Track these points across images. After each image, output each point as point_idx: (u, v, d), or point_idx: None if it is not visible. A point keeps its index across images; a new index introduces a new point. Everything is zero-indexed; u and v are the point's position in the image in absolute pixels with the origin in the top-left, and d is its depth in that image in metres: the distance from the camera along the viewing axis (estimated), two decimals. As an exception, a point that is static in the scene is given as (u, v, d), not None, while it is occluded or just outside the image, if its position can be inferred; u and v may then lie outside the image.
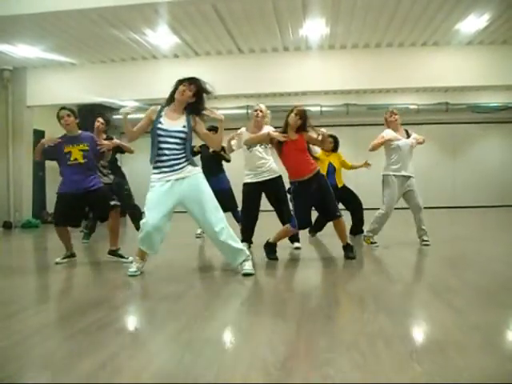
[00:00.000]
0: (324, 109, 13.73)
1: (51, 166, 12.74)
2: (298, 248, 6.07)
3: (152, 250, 4.54)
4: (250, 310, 3.37)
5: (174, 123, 4.44)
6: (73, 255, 5.49)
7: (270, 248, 5.33)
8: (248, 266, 4.41)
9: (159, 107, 4.55)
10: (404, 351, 2.33)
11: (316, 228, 7.37)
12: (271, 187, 5.97)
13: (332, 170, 7.22)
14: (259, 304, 3.57)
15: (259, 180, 5.93)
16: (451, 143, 14.55)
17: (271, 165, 6.00)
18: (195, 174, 4.44)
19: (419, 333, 2.68)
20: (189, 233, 8.08)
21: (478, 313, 3.04)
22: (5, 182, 10.93)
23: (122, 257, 5.32)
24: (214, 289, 4.11)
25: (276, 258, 5.26)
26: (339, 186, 7.21)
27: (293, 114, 5.12)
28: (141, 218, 4.62)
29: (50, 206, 12.65)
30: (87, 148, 5.25)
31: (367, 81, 10.19)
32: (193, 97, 4.49)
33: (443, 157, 14.59)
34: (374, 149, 6.07)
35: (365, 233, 6.37)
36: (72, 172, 5.21)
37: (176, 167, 4.39)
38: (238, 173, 6.69)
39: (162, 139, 4.39)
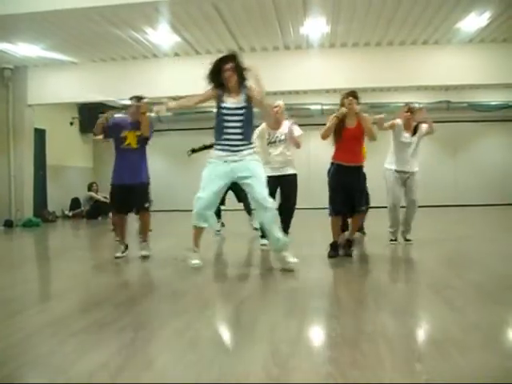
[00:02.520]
0: (325, 107, 13.70)
1: (52, 164, 12.79)
2: (265, 245, 6.09)
3: (207, 223, 4.75)
4: (252, 308, 3.37)
5: (235, 101, 4.65)
6: (126, 247, 5.62)
7: (333, 247, 5.34)
8: (290, 258, 4.63)
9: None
10: (405, 350, 2.34)
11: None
12: (285, 183, 6.04)
13: None
14: (260, 303, 3.57)
15: (275, 174, 5.98)
16: (452, 141, 14.52)
17: (290, 161, 6.08)
18: (250, 158, 4.60)
19: (420, 332, 2.68)
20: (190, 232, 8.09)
21: (478, 312, 3.04)
22: (6, 180, 10.92)
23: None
24: (215, 288, 4.11)
25: (335, 256, 5.28)
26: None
27: (346, 99, 5.20)
28: None
29: (51, 205, 12.69)
30: (140, 134, 5.43)
31: (368, 79, 10.16)
32: (234, 74, 4.64)
33: (444, 155, 14.57)
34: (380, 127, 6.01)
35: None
36: (123, 158, 5.43)
37: (235, 148, 4.58)
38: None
39: (226, 118, 4.62)
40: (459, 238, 6.88)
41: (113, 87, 10.63)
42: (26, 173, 11.13)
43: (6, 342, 2.58)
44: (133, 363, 2.25)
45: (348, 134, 5.20)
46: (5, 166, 10.89)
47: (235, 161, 4.57)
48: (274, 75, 10.08)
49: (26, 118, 11.05)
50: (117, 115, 5.79)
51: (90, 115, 14.16)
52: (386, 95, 13.54)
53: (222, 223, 7.96)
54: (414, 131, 6.18)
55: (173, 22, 8.37)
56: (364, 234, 7.16)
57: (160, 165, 13.95)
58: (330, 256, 5.25)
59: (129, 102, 5.69)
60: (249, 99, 4.65)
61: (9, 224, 10.61)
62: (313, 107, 13.73)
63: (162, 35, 9.05)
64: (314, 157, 12.92)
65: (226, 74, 4.60)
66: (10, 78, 10.80)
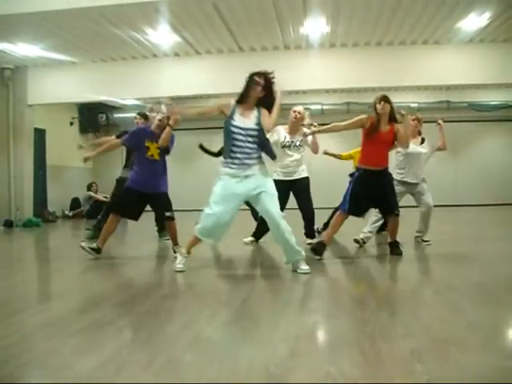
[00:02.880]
0: (325, 107, 13.72)
1: (52, 164, 12.80)
2: (310, 244, 6.15)
3: (212, 239, 4.63)
4: (251, 308, 3.37)
5: (246, 121, 4.48)
6: (98, 251, 5.46)
7: (319, 246, 5.27)
8: (303, 266, 4.43)
9: (233, 102, 4.58)
10: (405, 350, 2.33)
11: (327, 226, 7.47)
12: (298, 187, 6.08)
13: None
14: (260, 303, 3.57)
15: (288, 179, 6.02)
16: (452, 141, 14.36)
17: (301, 165, 6.11)
18: (262, 173, 4.48)
19: (420, 331, 2.68)
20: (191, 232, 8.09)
21: (479, 311, 3.04)
22: (6, 180, 10.92)
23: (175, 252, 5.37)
24: (214, 288, 4.11)
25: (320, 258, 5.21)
26: None
27: (378, 104, 5.17)
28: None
29: (51, 205, 12.69)
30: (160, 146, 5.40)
31: (368, 79, 10.16)
32: (262, 91, 4.55)
33: (444, 155, 14.45)
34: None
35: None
36: (146, 167, 5.42)
37: (245, 165, 4.43)
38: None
39: (235, 136, 4.44)
40: (460, 237, 6.88)
41: (113, 87, 10.64)
42: (26, 173, 11.13)
43: (6, 341, 2.58)
44: (132, 363, 2.25)
45: (380, 138, 5.16)
46: (5, 165, 10.89)
47: (247, 176, 4.44)
48: (274, 75, 10.09)
49: (26, 117, 11.05)
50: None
51: (89, 115, 14.22)
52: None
53: None
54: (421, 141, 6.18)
55: (173, 21, 8.37)
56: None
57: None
58: (313, 250, 5.18)
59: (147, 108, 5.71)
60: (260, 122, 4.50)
61: (9, 224, 10.61)
62: (313, 107, 13.72)
63: (161, 35, 9.06)
64: (314, 157, 12.90)
65: (253, 84, 4.54)
66: (10, 77, 10.81)
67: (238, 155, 4.42)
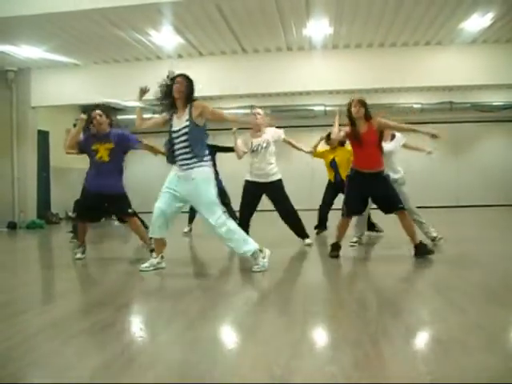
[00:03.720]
0: (328, 108, 13.70)
1: (55, 166, 12.82)
2: (309, 245, 6.24)
3: (154, 234, 4.73)
4: (254, 309, 3.37)
5: (179, 122, 4.58)
6: (84, 248, 5.61)
7: (335, 247, 5.31)
8: (256, 265, 4.50)
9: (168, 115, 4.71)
10: (407, 351, 2.33)
11: (321, 226, 7.55)
12: (271, 190, 6.09)
13: (334, 164, 7.48)
14: (263, 303, 3.57)
15: (259, 180, 6.04)
16: (455, 142, 14.49)
17: (274, 168, 6.11)
18: (197, 178, 4.51)
19: (423, 332, 2.67)
20: (192, 234, 8.10)
21: (481, 312, 3.03)
22: (9, 182, 10.95)
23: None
24: (217, 288, 4.11)
25: (337, 256, 5.25)
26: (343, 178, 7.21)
27: (354, 107, 5.19)
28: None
29: (55, 207, 12.70)
30: (113, 146, 5.43)
31: (371, 80, 10.16)
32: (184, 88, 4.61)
33: (447, 156, 14.53)
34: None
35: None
36: (97, 170, 5.46)
37: (184, 166, 4.54)
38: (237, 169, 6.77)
39: (173, 141, 4.59)
40: (461, 238, 6.86)
41: (116, 89, 10.65)
42: (30, 174, 11.16)
43: (9, 342, 2.58)
44: (134, 364, 2.25)
45: (364, 139, 5.16)
46: (8, 167, 10.92)
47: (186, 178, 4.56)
48: (277, 76, 10.11)
49: (29, 119, 11.08)
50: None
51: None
52: (389, 96, 13.53)
53: (191, 228, 8.19)
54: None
55: (176, 23, 8.38)
56: (380, 231, 7.28)
57: (156, 167, 13.94)
58: (332, 256, 5.24)
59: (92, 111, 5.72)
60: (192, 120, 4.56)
61: (12, 226, 10.63)
62: (316, 108, 13.74)
63: (164, 37, 9.07)
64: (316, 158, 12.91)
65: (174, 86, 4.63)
66: (14, 80, 10.84)
67: (176, 157, 4.57)
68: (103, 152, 5.42)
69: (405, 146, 6.37)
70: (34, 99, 11.00)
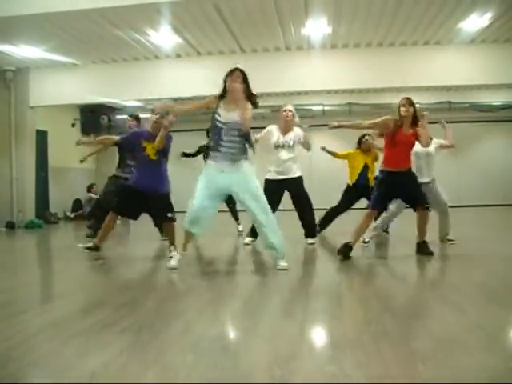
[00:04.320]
0: (326, 108, 13.72)
1: (54, 166, 12.81)
2: (312, 244, 6.26)
3: (195, 229, 4.68)
4: (254, 309, 3.37)
5: (229, 115, 4.56)
6: (97, 248, 5.56)
7: (347, 249, 5.25)
8: (282, 263, 4.59)
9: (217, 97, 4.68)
10: (408, 351, 2.33)
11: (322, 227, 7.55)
12: (293, 186, 6.12)
13: (366, 168, 7.31)
14: (263, 303, 3.57)
15: (281, 177, 6.05)
16: (454, 142, 14.50)
17: (294, 165, 6.13)
18: (245, 169, 4.57)
19: (423, 332, 2.68)
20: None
21: (481, 312, 3.04)
22: (8, 182, 10.94)
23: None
24: (217, 288, 4.11)
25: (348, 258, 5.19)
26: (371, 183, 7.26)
27: (402, 106, 5.25)
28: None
29: (53, 207, 12.70)
30: (157, 147, 5.42)
31: (369, 80, 10.16)
32: (242, 84, 4.60)
33: (446, 156, 14.50)
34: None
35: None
36: (144, 167, 5.47)
37: (230, 159, 4.55)
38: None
39: (219, 130, 4.57)
40: (462, 238, 6.86)
41: (114, 89, 10.65)
42: (28, 174, 11.14)
43: (9, 342, 2.58)
44: (135, 364, 2.25)
45: (403, 140, 5.21)
46: (7, 167, 10.90)
47: (232, 171, 4.56)
48: (275, 76, 10.10)
49: (27, 119, 11.07)
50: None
51: (91, 117, 14.22)
52: (388, 96, 13.51)
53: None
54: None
55: (174, 23, 8.38)
56: (387, 233, 7.28)
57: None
58: (343, 256, 5.15)
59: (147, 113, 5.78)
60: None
61: (11, 225, 10.62)
62: (314, 108, 13.74)
63: (163, 36, 9.07)
64: (315, 157, 12.90)
65: (229, 80, 4.59)
66: (12, 79, 10.82)
67: (222, 149, 4.55)
68: (150, 151, 5.43)
69: (442, 146, 6.62)
70: (33, 99, 10.98)
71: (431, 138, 6.17)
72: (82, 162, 6.81)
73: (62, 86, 10.75)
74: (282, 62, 10.06)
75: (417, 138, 5.26)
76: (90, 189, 13.14)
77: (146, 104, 12.70)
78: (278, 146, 6.15)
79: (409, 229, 6.40)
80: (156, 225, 7.33)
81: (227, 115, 4.55)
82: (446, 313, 3.02)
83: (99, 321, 2.97)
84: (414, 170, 5.94)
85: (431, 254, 5.19)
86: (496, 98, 13.52)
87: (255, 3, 7.69)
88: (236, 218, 7.98)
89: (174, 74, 10.32)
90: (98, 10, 7.46)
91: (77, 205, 13.50)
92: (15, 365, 2.26)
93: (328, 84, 10.64)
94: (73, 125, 14.09)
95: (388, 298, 3.56)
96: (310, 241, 6.28)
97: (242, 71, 4.64)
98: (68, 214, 13.27)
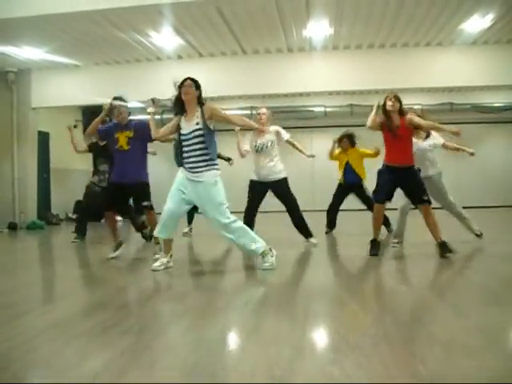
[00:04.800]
0: (328, 109, 13.71)
1: (56, 167, 12.82)
2: (314, 245, 6.29)
3: (162, 234, 4.74)
4: (254, 310, 3.37)
5: (188, 125, 4.60)
6: (120, 243, 5.72)
7: (374, 245, 5.36)
8: (265, 263, 4.64)
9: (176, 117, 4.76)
10: (408, 352, 2.33)
11: (331, 225, 7.75)
12: (276, 187, 6.12)
13: (349, 167, 7.64)
14: (263, 304, 3.57)
15: (264, 180, 6.07)
16: (455, 143, 14.49)
17: (278, 167, 6.13)
18: (207, 181, 4.56)
19: (423, 334, 2.67)
20: (192, 234, 8.10)
21: (481, 313, 3.03)
22: (10, 183, 10.96)
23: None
24: (217, 289, 4.11)
25: (376, 254, 5.30)
26: (363, 178, 7.63)
27: (389, 101, 5.37)
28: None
29: (55, 208, 12.71)
30: (132, 135, 5.48)
31: (371, 81, 10.17)
32: (196, 90, 4.66)
33: (447, 157, 14.47)
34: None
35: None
36: (118, 160, 5.53)
37: (193, 169, 4.57)
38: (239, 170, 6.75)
39: (182, 143, 4.62)
40: (462, 239, 6.85)
41: (116, 90, 10.58)
42: (30, 175, 11.16)
43: (11, 343, 2.58)
44: (135, 365, 2.25)
45: (397, 133, 5.26)
46: (9, 168, 10.93)
47: (196, 181, 4.60)
48: (277, 77, 10.11)
49: (29, 120, 11.09)
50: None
51: (93, 118, 14.19)
52: (390, 97, 13.53)
53: (191, 228, 8.22)
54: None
55: (176, 24, 8.40)
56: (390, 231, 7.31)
57: (161, 167, 13.95)
58: (372, 255, 5.27)
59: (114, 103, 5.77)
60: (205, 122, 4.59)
61: (13, 227, 10.64)
62: (316, 109, 13.74)
63: (165, 38, 9.09)
64: (317, 159, 12.90)
65: (183, 89, 4.67)
66: (14, 81, 10.85)
67: (185, 160, 4.61)
68: (123, 141, 5.48)
69: (445, 146, 6.56)
70: (35, 100, 11.01)
71: (429, 134, 6.18)
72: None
73: (63, 87, 10.77)
74: (284, 63, 10.07)
75: (409, 129, 5.28)
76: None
77: (148, 106, 12.70)
78: (256, 151, 6.18)
79: (409, 229, 6.41)
80: (137, 229, 7.42)
81: (186, 125, 4.62)
82: (446, 314, 3.02)
83: (100, 322, 2.97)
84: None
85: (454, 252, 5.13)
86: (497, 100, 13.52)
87: (257, 5, 7.70)
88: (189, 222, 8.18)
89: (175, 76, 10.32)
90: (100, 12, 7.48)
91: (78, 206, 13.48)
92: (16, 365, 2.26)
93: (330, 85, 10.65)
94: (75, 126, 14.06)
95: (388, 300, 3.56)
96: (312, 241, 6.29)
97: (191, 79, 4.73)
98: (70, 215, 13.27)
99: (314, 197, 12.98)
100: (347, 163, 7.67)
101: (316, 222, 7.63)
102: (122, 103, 5.70)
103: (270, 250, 4.68)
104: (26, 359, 2.33)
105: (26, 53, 9.57)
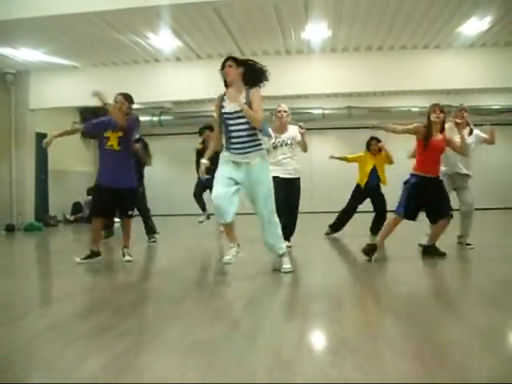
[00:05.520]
0: (326, 111, 13.72)
1: (53, 169, 12.80)
2: (288, 247, 6.03)
3: (224, 218, 4.43)
4: (253, 312, 3.36)
5: (232, 104, 4.44)
6: (96, 254, 5.44)
7: (371, 248, 5.25)
8: (286, 265, 4.58)
9: (219, 94, 4.59)
10: (407, 354, 2.33)
11: (335, 229, 7.69)
12: (291, 187, 6.05)
13: (375, 171, 7.60)
14: (262, 306, 3.56)
15: (282, 176, 6.00)
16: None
17: (296, 165, 6.11)
18: (258, 164, 4.43)
19: (422, 335, 2.67)
20: (191, 236, 8.09)
21: (480, 315, 3.04)
22: (7, 184, 10.94)
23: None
24: (216, 291, 4.11)
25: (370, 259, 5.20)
26: (385, 183, 7.61)
27: (433, 113, 5.26)
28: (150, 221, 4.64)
29: (53, 209, 12.69)
30: (122, 134, 5.24)
31: (369, 83, 10.19)
32: (238, 68, 4.50)
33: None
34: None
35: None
36: (108, 160, 5.26)
37: (242, 150, 4.41)
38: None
39: (227, 122, 4.45)
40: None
41: (114, 91, 10.60)
42: (28, 177, 11.15)
43: (9, 346, 2.58)
44: (134, 367, 2.25)
45: (434, 146, 5.24)
46: (7, 170, 10.91)
47: (245, 163, 4.43)
48: (275, 79, 10.00)
49: (27, 122, 11.08)
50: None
51: (92, 119, 14.22)
52: (388, 99, 13.56)
53: (208, 215, 8.02)
54: None
55: (174, 26, 8.40)
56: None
57: (160, 169, 13.96)
58: (369, 259, 5.20)
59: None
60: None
61: (10, 228, 10.62)
62: (314, 111, 13.74)
63: (163, 40, 9.09)
64: (315, 161, 12.93)
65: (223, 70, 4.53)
66: (12, 82, 10.84)
67: (233, 140, 4.43)
68: (114, 140, 5.24)
69: (485, 141, 6.61)
70: (33, 102, 11.00)
71: (472, 130, 6.18)
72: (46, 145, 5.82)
73: (62, 88, 10.76)
74: (282, 65, 10.05)
75: (447, 143, 5.33)
76: (89, 192, 13.13)
77: (147, 107, 12.71)
78: (275, 147, 6.13)
79: (410, 232, 6.41)
80: (145, 224, 7.37)
81: (229, 105, 4.46)
82: (444, 316, 3.03)
83: (98, 324, 2.97)
84: (451, 160, 5.91)
85: (444, 254, 5.23)
86: (495, 102, 13.54)
87: (255, 6, 7.71)
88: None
89: (173, 77, 10.33)
90: (98, 13, 7.47)
91: (76, 208, 13.48)
92: (17, 367, 2.26)
93: (328, 87, 10.66)
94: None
95: (387, 302, 3.56)
96: (287, 243, 6.13)
97: (233, 58, 4.58)
98: (67, 216, 13.25)
99: (312, 198, 12.98)
100: (374, 167, 7.58)
101: (315, 224, 7.65)
102: (123, 99, 5.49)
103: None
104: (27, 361, 2.34)
105: (24, 54, 9.57)
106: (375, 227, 7.21)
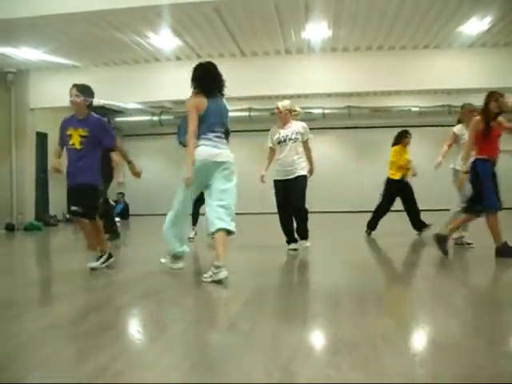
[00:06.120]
0: (326, 111, 13.73)
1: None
2: (295, 249, 6.05)
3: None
4: (252, 312, 3.36)
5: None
6: (105, 253, 5.06)
7: (441, 240, 5.20)
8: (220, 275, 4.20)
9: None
10: (406, 354, 2.33)
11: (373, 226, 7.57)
12: (294, 182, 5.96)
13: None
14: (261, 306, 3.56)
15: (286, 178, 5.95)
16: (454, 145, 14.51)
17: (302, 162, 6.06)
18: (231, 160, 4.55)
19: (421, 335, 2.68)
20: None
21: (479, 315, 3.04)
22: (8, 184, 10.95)
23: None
24: (215, 291, 4.11)
25: (446, 252, 5.19)
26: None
27: (494, 102, 5.20)
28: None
29: (53, 209, 12.69)
30: (87, 134, 4.82)
31: (369, 83, 10.19)
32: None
33: (446, 159, 14.54)
34: None
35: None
36: (70, 158, 4.88)
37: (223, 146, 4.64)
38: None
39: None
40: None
41: (115, 91, 10.66)
42: (28, 176, 11.15)
43: (8, 345, 2.58)
44: (133, 366, 2.25)
45: (495, 133, 5.28)
46: (7, 169, 10.92)
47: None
48: (276, 79, 10.11)
49: (27, 121, 11.09)
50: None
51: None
52: (388, 99, 13.57)
53: (196, 232, 7.62)
54: None
55: (174, 26, 8.40)
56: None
57: (160, 168, 13.96)
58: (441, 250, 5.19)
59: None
60: None
61: (10, 227, 10.62)
62: (314, 111, 13.75)
63: (163, 39, 9.09)
64: (315, 160, 12.92)
65: None
66: (13, 81, 10.85)
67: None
68: (76, 139, 4.82)
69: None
70: (33, 101, 11.01)
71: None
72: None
73: (62, 88, 10.63)
74: (282, 65, 10.07)
75: (503, 127, 5.33)
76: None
77: (147, 106, 12.71)
78: (280, 142, 6.07)
79: (409, 232, 6.42)
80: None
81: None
82: (443, 316, 3.02)
83: (97, 324, 2.97)
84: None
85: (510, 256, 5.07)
86: (495, 102, 13.54)
87: (255, 6, 7.71)
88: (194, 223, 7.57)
89: (174, 77, 10.32)
90: (99, 13, 7.47)
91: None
92: (17, 366, 2.26)
93: (328, 87, 10.67)
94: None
95: (386, 302, 3.56)
96: (306, 244, 6.11)
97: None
98: (67, 216, 13.25)
99: (311, 198, 12.98)
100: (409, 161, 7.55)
101: (315, 224, 7.64)
102: (77, 92, 4.92)
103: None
104: (26, 360, 2.33)
105: (24, 53, 9.57)
106: (416, 224, 7.18)
